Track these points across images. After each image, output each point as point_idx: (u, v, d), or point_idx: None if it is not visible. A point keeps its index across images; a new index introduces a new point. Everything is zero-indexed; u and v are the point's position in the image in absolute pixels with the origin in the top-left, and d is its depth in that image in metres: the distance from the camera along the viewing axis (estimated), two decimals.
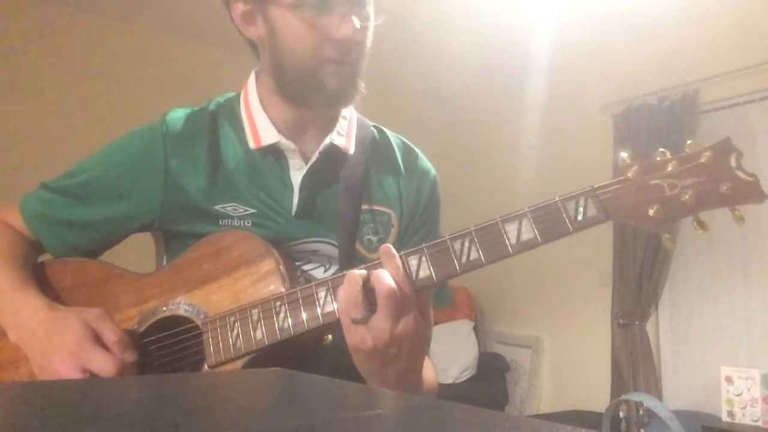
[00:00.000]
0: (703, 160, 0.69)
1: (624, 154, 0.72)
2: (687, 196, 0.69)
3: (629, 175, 0.71)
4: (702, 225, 0.71)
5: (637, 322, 3.42)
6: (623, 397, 3.01)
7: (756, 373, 2.84)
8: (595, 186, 0.72)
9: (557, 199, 0.72)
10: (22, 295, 0.85)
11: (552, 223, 0.71)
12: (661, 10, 3.16)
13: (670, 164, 0.70)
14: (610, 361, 3.52)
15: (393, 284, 0.70)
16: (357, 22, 0.84)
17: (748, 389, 2.83)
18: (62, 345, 0.79)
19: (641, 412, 2.91)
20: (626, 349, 3.44)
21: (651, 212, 0.70)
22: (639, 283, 3.41)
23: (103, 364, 0.78)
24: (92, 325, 0.81)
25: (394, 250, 0.74)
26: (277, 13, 0.86)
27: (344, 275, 0.75)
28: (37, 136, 2.99)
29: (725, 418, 2.88)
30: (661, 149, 0.72)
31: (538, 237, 0.71)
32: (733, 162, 0.69)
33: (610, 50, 3.56)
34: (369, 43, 0.90)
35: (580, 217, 0.71)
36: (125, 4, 3.18)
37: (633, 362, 3.40)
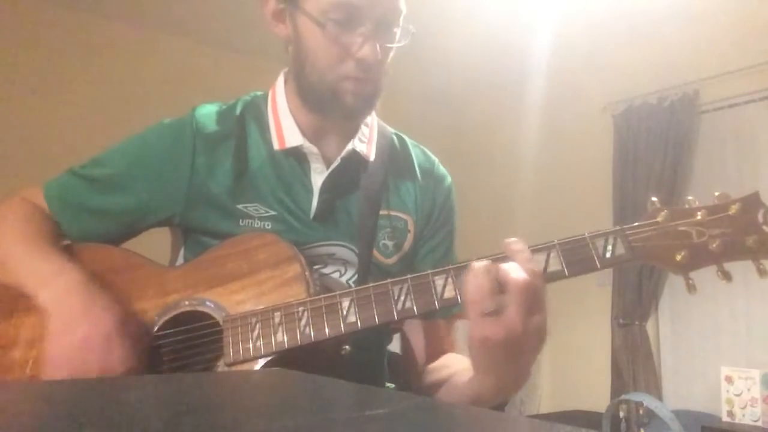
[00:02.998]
0: (731, 212, 0.72)
1: (654, 199, 0.75)
2: (714, 245, 0.71)
3: (659, 219, 0.73)
4: (726, 275, 0.73)
5: (637, 322, 3.42)
6: (623, 397, 3.01)
7: (756, 373, 2.84)
8: (624, 227, 0.74)
9: (586, 235, 0.74)
10: (54, 260, 0.86)
11: (580, 258, 0.73)
12: (661, 10, 3.16)
13: (699, 212, 0.72)
14: (610, 361, 3.52)
15: (527, 277, 0.69)
16: (377, 46, 0.85)
17: (748, 389, 2.83)
18: (94, 325, 0.79)
19: (641, 412, 2.91)
20: (626, 349, 3.43)
21: (678, 257, 0.72)
22: (639, 283, 3.41)
23: (119, 363, 0.78)
24: (123, 319, 0.81)
25: (522, 244, 0.73)
26: (304, 20, 0.87)
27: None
28: (37, 135, 2.99)
29: (725, 418, 2.88)
30: (690, 197, 0.74)
31: (565, 270, 0.73)
32: (760, 217, 0.71)
33: (610, 50, 3.55)
34: (388, 62, 0.91)
35: (608, 255, 0.73)
36: (125, 4, 3.18)
37: (633, 362, 3.40)
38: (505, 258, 0.72)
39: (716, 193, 0.73)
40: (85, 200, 0.95)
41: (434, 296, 0.75)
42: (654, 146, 3.42)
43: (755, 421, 2.79)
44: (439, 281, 0.75)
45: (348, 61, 0.86)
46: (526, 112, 4.03)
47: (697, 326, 3.32)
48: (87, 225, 0.96)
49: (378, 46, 0.85)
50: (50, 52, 3.15)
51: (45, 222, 0.94)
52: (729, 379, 2.90)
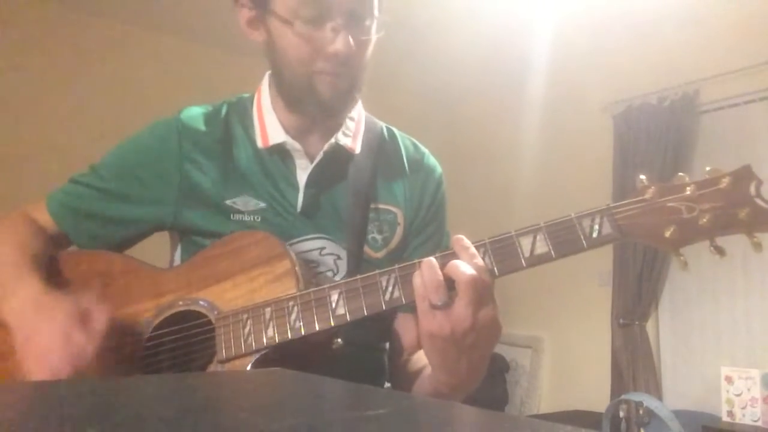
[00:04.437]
0: (721, 185, 0.70)
1: (642, 177, 0.74)
2: (704, 220, 0.69)
3: (647, 196, 0.72)
4: (719, 250, 0.71)
5: (637, 322, 3.42)
6: (623, 397, 3.01)
7: (756, 373, 2.84)
8: (611, 205, 0.73)
9: (573, 215, 0.73)
10: (24, 273, 0.87)
11: (567, 239, 0.73)
12: (661, 10, 3.16)
13: (688, 188, 0.71)
14: (610, 361, 3.52)
15: (474, 272, 0.71)
16: (350, 39, 0.85)
17: (748, 389, 2.83)
18: (47, 326, 0.79)
19: (641, 412, 2.92)
20: (626, 349, 3.43)
21: (667, 234, 0.71)
22: (639, 283, 3.41)
23: (78, 355, 0.77)
24: (81, 310, 0.81)
25: (468, 241, 0.74)
26: (275, 23, 0.88)
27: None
28: (38, 136, 2.99)
29: (725, 418, 2.88)
30: (680, 173, 0.73)
31: (552, 252, 0.73)
32: (752, 189, 0.69)
33: (610, 50, 3.55)
34: (367, 56, 0.91)
35: (595, 235, 0.72)
36: (126, 4, 3.18)
37: (633, 362, 3.40)
38: (453, 255, 0.74)
39: (707, 168, 0.72)
40: (86, 207, 0.97)
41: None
42: (654, 146, 3.41)
43: (755, 421, 2.79)
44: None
45: (320, 59, 0.86)
46: (526, 112, 4.03)
47: (697, 326, 3.32)
48: (91, 230, 0.97)
49: (351, 39, 0.85)
50: (50, 52, 3.15)
51: (35, 236, 0.95)
52: (729, 379, 2.90)
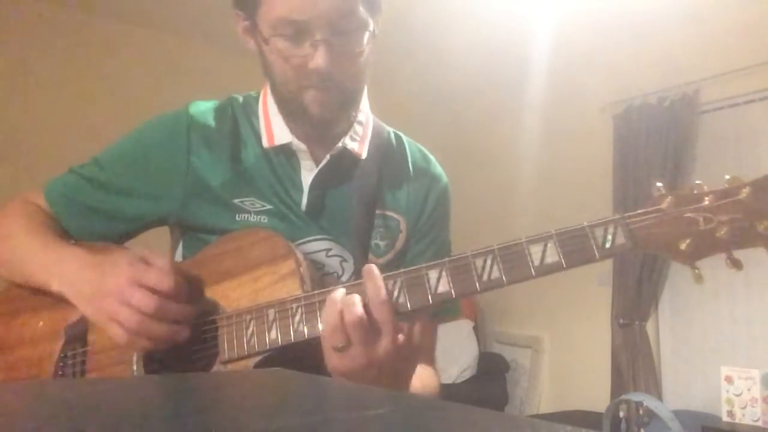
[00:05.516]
0: (741, 196, 0.67)
1: (659, 184, 0.71)
2: (722, 232, 0.67)
3: (663, 206, 0.69)
4: (736, 263, 0.68)
5: (637, 322, 3.42)
6: (623, 397, 3.01)
7: (756, 373, 2.84)
8: (626, 214, 0.70)
9: (585, 224, 0.71)
10: (60, 248, 0.87)
11: (578, 248, 0.70)
12: (661, 10, 3.16)
13: (706, 198, 0.68)
14: (610, 361, 3.52)
15: (360, 312, 0.70)
16: (332, 53, 0.84)
17: (748, 389, 2.83)
18: (116, 273, 0.78)
19: (641, 412, 2.91)
20: (626, 349, 3.43)
21: (682, 246, 0.68)
22: (639, 283, 3.41)
23: (144, 299, 0.76)
24: (140, 260, 0.80)
25: (376, 271, 0.74)
26: (260, 39, 0.88)
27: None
28: (38, 136, 2.99)
29: (725, 418, 2.88)
30: (698, 181, 0.70)
31: (563, 261, 0.70)
32: None
33: (610, 50, 3.55)
34: (360, 67, 0.90)
35: (608, 245, 0.69)
36: (126, 4, 3.18)
37: (633, 362, 3.40)
38: (363, 284, 0.74)
39: (726, 177, 0.68)
40: (86, 199, 0.96)
41: (428, 291, 0.74)
42: (654, 146, 3.42)
43: (755, 421, 2.79)
44: (432, 275, 0.74)
45: (303, 74, 0.86)
46: (526, 112, 4.03)
47: (697, 326, 3.32)
48: (88, 223, 0.96)
49: (333, 54, 0.84)
50: (51, 52, 3.15)
51: (47, 218, 0.95)
52: (729, 379, 2.90)
